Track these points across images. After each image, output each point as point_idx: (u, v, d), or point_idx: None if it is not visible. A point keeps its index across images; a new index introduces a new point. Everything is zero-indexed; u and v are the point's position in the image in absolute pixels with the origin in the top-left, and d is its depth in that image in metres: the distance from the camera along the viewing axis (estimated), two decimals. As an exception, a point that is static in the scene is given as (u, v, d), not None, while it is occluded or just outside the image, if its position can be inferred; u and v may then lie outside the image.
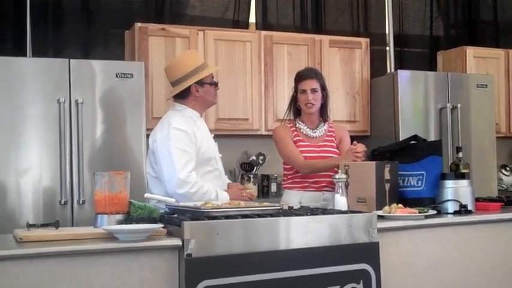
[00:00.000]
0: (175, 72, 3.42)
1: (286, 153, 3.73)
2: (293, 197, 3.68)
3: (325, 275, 2.60)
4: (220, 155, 3.54)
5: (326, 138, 3.79)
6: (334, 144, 3.80)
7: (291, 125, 3.81)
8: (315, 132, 3.78)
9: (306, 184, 3.70)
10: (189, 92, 3.40)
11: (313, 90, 3.70)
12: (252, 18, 5.76)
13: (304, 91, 3.71)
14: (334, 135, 3.83)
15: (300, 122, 3.80)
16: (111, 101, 4.35)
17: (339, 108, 5.46)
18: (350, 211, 2.90)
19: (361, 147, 3.49)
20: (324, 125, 3.82)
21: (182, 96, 3.42)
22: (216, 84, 3.48)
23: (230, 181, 3.66)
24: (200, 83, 3.39)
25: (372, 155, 3.48)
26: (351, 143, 3.60)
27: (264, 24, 5.74)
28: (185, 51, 3.81)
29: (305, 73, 3.82)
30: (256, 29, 5.64)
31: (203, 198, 3.11)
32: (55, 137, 4.18)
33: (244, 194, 3.43)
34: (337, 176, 3.15)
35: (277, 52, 5.31)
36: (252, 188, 5.22)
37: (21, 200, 4.11)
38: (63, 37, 5.10)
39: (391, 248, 2.87)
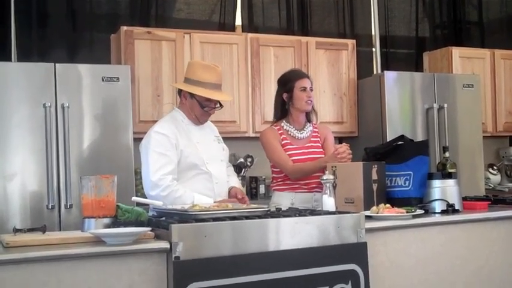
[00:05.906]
0: (190, 71, 3.45)
1: (274, 158, 3.74)
2: (284, 199, 3.68)
3: (314, 276, 2.60)
4: (222, 157, 3.56)
5: (312, 138, 3.81)
6: (320, 145, 3.82)
7: (278, 127, 3.80)
8: (301, 133, 3.79)
9: (297, 186, 3.71)
10: (181, 93, 3.49)
11: (311, 89, 3.79)
12: (238, 21, 5.75)
13: (304, 88, 3.74)
14: (319, 135, 3.85)
15: (287, 124, 3.80)
16: (97, 105, 4.34)
17: (326, 109, 5.47)
18: (338, 212, 2.91)
19: (343, 148, 3.48)
20: (309, 126, 3.84)
21: (179, 93, 3.52)
22: (202, 107, 3.42)
23: (236, 185, 3.60)
24: (192, 95, 3.41)
25: (366, 155, 3.49)
26: (340, 144, 3.62)
27: (250, 26, 5.74)
28: (213, 64, 3.57)
29: (302, 72, 3.93)
30: (243, 31, 5.64)
31: (176, 202, 3.14)
32: (41, 141, 4.15)
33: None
34: (324, 177, 3.16)
35: (263, 54, 5.31)
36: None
37: (8, 205, 4.08)
38: (49, 41, 5.08)
39: (379, 248, 2.87)
